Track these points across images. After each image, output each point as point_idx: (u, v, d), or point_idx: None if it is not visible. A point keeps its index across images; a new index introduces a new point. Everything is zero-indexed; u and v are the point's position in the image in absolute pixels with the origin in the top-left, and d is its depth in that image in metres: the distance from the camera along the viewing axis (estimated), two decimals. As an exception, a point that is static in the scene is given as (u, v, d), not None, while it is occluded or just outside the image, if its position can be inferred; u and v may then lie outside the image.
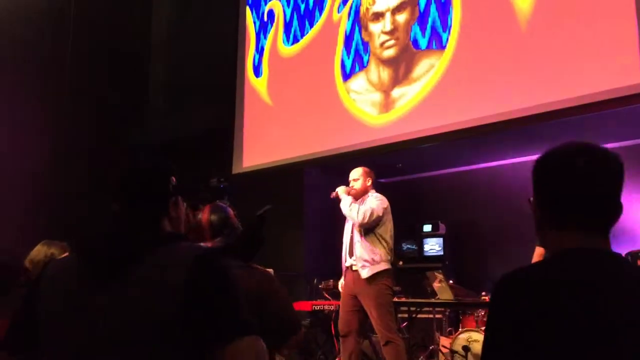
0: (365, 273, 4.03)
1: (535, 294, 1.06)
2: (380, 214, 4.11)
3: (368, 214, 4.07)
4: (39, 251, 2.89)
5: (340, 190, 4.29)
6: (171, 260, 1.23)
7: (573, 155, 1.18)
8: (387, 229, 4.19)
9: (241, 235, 2.12)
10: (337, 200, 4.29)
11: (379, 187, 4.44)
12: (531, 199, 1.23)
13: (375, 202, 4.16)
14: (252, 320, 1.25)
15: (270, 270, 2.31)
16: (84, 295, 1.25)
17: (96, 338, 1.21)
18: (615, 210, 1.17)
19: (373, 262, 4.06)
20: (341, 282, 4.35)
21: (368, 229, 4.12)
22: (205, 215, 2.12)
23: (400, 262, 4.60)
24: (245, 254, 2.06)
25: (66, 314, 1.26)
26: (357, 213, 4.09)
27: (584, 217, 1.15)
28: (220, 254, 1.27)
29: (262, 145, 6.68)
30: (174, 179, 1.43)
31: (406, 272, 5.73)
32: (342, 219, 4.45)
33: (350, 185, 4.31)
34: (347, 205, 4.18)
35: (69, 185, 6.77)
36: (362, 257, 4.09)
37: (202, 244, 2.07)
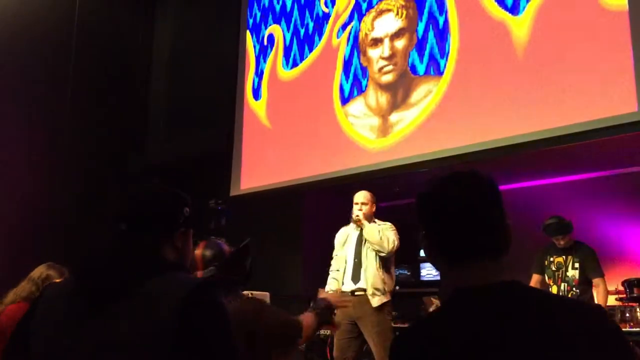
0: (375, 302, 4.03)
1: (430, 351, 1.03)
2: (398, 244, 4.15)
3: (396, 245, 4.12)
4: (38, 271, 2.92)
5: (363, 217, 4.25)
6: (163, 293, 1.21)
7: (445, 188, 1.15)
8: (393, 261, 4.23)
9: (224, 266, 2.20)
10: (359, 223, 4.25)
11: (377, 211, 4.45)
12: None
13: (394, 232, 4.18)
14: (235, 353, 1.25)
15: (266, 293, 2.34)
16: (75, 326, 1.23)
17: None
18: (502, 232, 1.12)
19: (384, 292, 4.08)
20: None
21: (386, 258, 4.13)
22: (199, 250, 2.22)
23: (397, 287, 4.59)
24: (229, 285, 2.12)
25: (55, 345, 1.24)
26: (387, 243, 4.09)
27: (471, 248, 1.11)
28: (214, 288, 1.26)
29: (260, 168, 6.70)
30: (187, 210, 1.41)
31: (403, 297, 5.71)
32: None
33: (358, 208, 4.29)
34: (376, 233, 4.14)
35: (65, 207, 6.76)
36: (374, 286, 4.07)
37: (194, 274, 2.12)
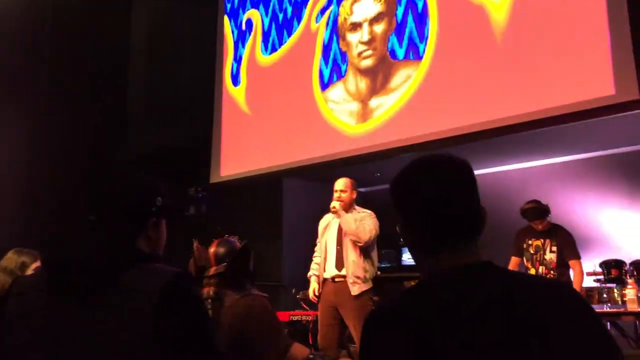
0: (355, 290, 4.03)
1: (399, 328, 1.03)
2: (377, 232, 4.14)
3: (373, 234, 4.09)
4: (10, 259, 2.84)
5: (339, 206, 4.22)
6: (141, 285, 1.19)
7: (419, 174, 1.14)
8: (375, 248, 4.22)
9: (229, 267, 2.37)
10: (336, 214, 4.23)
11: (358, 196, 4.44)
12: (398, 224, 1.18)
13: (373, 220, 4.16)
14: (218, 348, 1.25)
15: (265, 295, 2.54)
16: (50, 321, 1.21)
17: None
18: (477, 215, 1.12)
19: (365, 280, 4.08)
20: (312, 291, 4.31)
21: (364, 247, 4.12)
22: (212, 248, 2.39)
23: (379, 272, 4.60)
24: (239, 280, 2.34)
25: (29, 340, 1.22)
26: (364, 233, 4.07)
27: (447, 233, 1.11)
28: (190, 279, 1.25)
29: (240, 154, 6.66)
30: (160, 199, 1.38)
31: (385, 281, 5.74)
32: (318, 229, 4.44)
33: (337, 195, 4.28)
34: (352, 223, 4.12)
35: (47, 197, 6.67)
36: (354, 274, 4.07)
37: (208, 269, 2.32)
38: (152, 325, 1.15)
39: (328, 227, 4.36)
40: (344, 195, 4.24)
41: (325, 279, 4.21)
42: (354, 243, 4.11)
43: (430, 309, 1.03)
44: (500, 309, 1.01)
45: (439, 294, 1.06)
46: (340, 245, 4.19)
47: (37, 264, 2.83)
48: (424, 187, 1.12)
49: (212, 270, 2.33)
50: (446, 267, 1.09)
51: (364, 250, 4.12)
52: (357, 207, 4.29)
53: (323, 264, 4.25)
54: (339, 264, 4.15)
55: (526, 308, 1.01)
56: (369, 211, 4.27)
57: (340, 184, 4.30)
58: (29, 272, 2.72)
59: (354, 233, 4.09)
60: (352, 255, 4.11)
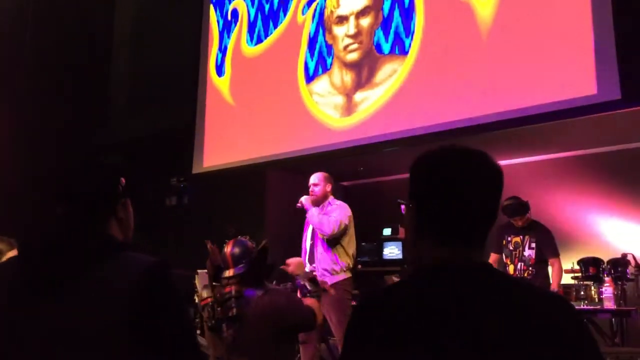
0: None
1: (388, 318, 1.04)
2: (347, 223, 4.14)
3: (337, 226, 4.08)
4: None
5: (306, 201, 4.25)
6: (117, 275, 1.17)
7: (457, 160, 1.11)
8: (351, 238, 4.22)
9: (251, 265, 2.55)
10: (303, 210, 4.25)
11: (340, 190, 4.45)
12: (402, 203, 1.19)
13: (341, 212, 4.16)
14: (195, 339, 1.25)
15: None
16: (19, 311, 1.18)
17: (32, 356, 1.16)
18: (491, 218, 1.11)
19: (334, 272, 4.09)
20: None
21: (333, 240, 4.13)
22: (228, 248, 2.57)
23: (359, 266, 4.62)
24: (258, 279, 2.56)
25: (2, 333, 1.19)
26: (327, 226, 4.08)
27: (464, 226, 1.08)
28: (166, 267, 1.23)
29: (223, 145, 6.63)
30: (123, 180, 1.36)
31: (365, 275, 5.76)
32: (303, 221, 4.44)
33: (310, 190, 4.30)
34: (315, 217, 4.14)
35: (27, 185, 6.58)
36: (322, 267, 4.10)
37: (225, 271, 2.53)
38: (127, 317, 1.13)
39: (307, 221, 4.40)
40: (316, 188, 4.28)
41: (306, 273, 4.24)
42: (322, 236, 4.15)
43: (416, 304, 1.03)
44: (494, 313, 0.99)
45: (419, 292, 1.05)
46: (312, 240, 4.23)
47: (14, 252, 2.79)
48: (458, 179, 1.08)
49: (231, 272, 2.50)
50: (438, 262, 1.08)
51: (332, 242, 4.13)
52: (332, 200, 4.30)
53: (303, 259, 4.29)
54: (311, 258, 4.20)
55: (519, 318, 0.99)
56: (339, 202, 4.28)
57: (313, 177, 4.34)
58: (4, 259, 2.68)
59: (318, 226, 4.13)
60: (320, 249, 4.17)
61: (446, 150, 1.13)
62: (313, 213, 4.18)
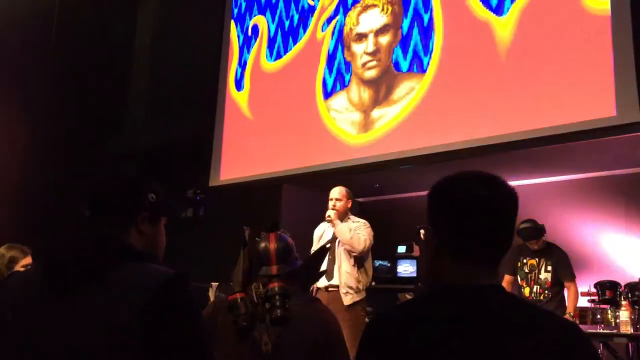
0: (347, 300, 4.03)
1: (396, 335, 1.08)
2: (372, 243, 4.14)
3: (367, 244, 4.08)
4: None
5: (334, 215, 4.21)
6: (130, 283, 1.16)
7: (474, 184, 1.15)
8: (369, 257, 4.21)
9: (305, 263, 2.27)
10: (331, 223, 4.23)
11: (356, 206, 4.45)
12: (420, 228, 1.21)
13: (367, 230, 4.16)
14: (211, 355, 1.24)
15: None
16: (36, 316, 1.19)
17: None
18: (507, 241, 1.15)
19: (358, 290, 4.08)
20: None
21: (358, 257, 4.12)
22: (272, 244, 2.24)
23: (373, 283, 4.60)
24: (305, 281, 2.26)
25: (17, 334, 1.20)
26: (358, 242, 4.06)
27: (479, 248, 1.12)
28: (186, 280, 1.21)
29: (240, 159, 6.67)
30: (153, 195, 1.36)
31: (379, 292, 5.73)
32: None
33: (332, 204, 4.28)
34: (347, 232, 4.11)
35: (44, 190, 6.67)
36: (347, 284, 4.07)
37: (266, 267, 2.17)
38: (137, 329, 1.11)
39: (323, 235, 4.37)
40: (339, 203, 4.25)
41: (318, 288, 4.20)
42: (349, 253, 4.10)
43: (431, 323, 1.07)
44: (490, 337, 1.02)
45: (446, 309, 1.08)
46: (332, 255, 4.19)
47: (28, 259, 2.83)
48: (480, 193, 1.13)
49: (274, 269, 2.17)
50: (453, 282, 1.12)
51: (358, 260, 4.12)
52: (351, 216, 4.30)
53: None
54: (329, 274, 4.14)
55: (526, 343, 1.01)
56: (363, 220, 4.27)
57: (336, 192, 4.30)
58: (18, 267, 2.72)
59: (349, 242, 4.09)
60: (345, 266, 4.10)
61: (463, 176, 1.18)
62: (344, 228, 4.13)
